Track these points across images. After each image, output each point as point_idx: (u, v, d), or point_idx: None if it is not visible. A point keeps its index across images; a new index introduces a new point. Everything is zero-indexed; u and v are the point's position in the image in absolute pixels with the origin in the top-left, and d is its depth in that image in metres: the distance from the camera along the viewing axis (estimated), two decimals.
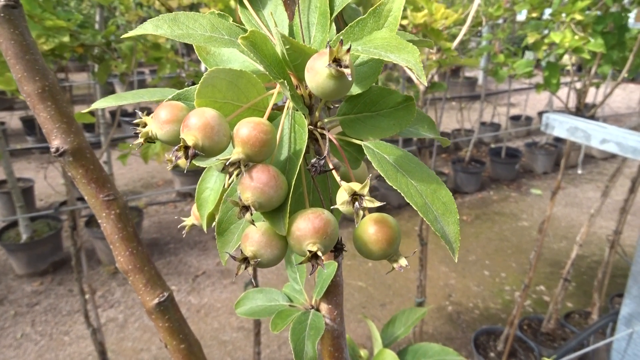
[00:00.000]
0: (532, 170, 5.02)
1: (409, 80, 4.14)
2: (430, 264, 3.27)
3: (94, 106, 0.47)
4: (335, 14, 0.36)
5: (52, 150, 0.51)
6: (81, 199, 2.84)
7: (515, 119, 5.97)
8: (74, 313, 2.74)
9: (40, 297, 2.88)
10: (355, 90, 0.36)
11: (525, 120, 5.89)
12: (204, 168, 0.42)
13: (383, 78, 4.44)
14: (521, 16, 3.99)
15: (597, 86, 2.63)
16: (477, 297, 2.97)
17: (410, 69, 0.27)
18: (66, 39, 1.62)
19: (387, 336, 0.80)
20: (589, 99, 6.33)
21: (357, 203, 0.31)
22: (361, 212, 0.31)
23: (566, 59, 2.18)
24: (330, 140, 0.35)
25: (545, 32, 2.40)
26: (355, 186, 0.32)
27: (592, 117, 2.37)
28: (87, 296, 2.19)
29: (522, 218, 4.01)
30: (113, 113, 5.64)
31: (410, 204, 0.30)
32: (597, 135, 1.45)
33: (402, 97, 0.36)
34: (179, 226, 0.47)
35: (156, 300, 0.54)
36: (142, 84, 6.41)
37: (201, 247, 3.46)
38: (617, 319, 1.67)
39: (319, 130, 0.36)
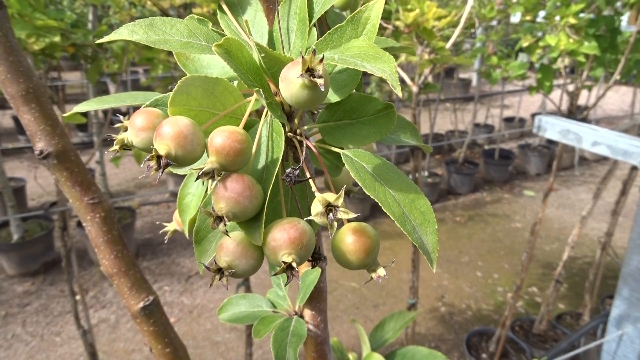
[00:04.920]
0: (525, 172, 5.04)
1: (403, 81, 4.15)
2: (424, 265, 3.27)
3: (76, 109, 0.47)
4: (314, 20, 0.36)
5: (36, 152, 0.50)
6: None
7: (508, 120, 6.00)
8: (66, 314, 2.72)
9: (32, 298, 2.86)
10: (334, 98, 0.36)
11: (519, 122, 5.92)
12: None
13: (377, 79, 4.45)
14: (515, 18, 4.01)
15: (589, 89, 2.64)
16: (469, 298, 2.98)
17: (386, 79, 0.26)
18: (57, 38, 1.61)
19: (376, 340, 0.80)
20: (583, 101, 6.37)
21: (331, 214, 0.31)
22: (335, 224, 0.31)
23: (560, 62, 2.19)
24: (310, 148, 0.34)
25: (540, 34, 2.41)
26: (330, 197, 0.32)
27: (585, 120, 2.38)
28: (77, 297, 2.17)
29: (515, 219, 4.02)
30: (106, 112, 5.60)
31: (388, 213, 0.30)
32: (588, 138, 1.46)
33: (382, 104, 0.35)
34: (160, 232, 0.47)
35: (141, 304, 0.53)
36: (135, 84, 6.38)
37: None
38: (608, 321, 1.68)
39: (298, 137, 0.35)
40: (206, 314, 2.74)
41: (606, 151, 1.41)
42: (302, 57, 0.29)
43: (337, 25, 0.33)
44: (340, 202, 0.31)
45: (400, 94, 0.24)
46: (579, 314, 2.64)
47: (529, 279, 3.15)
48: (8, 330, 2.58)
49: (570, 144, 1.50)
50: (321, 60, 0.29)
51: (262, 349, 2.49)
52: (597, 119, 6.25)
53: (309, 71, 0.29)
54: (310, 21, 0.36)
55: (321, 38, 0.34)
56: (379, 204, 0.30)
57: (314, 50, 0.28)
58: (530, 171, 5.00)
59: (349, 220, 0.33)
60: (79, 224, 3.27)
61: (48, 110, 0.51)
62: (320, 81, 0.28)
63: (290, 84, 0.30)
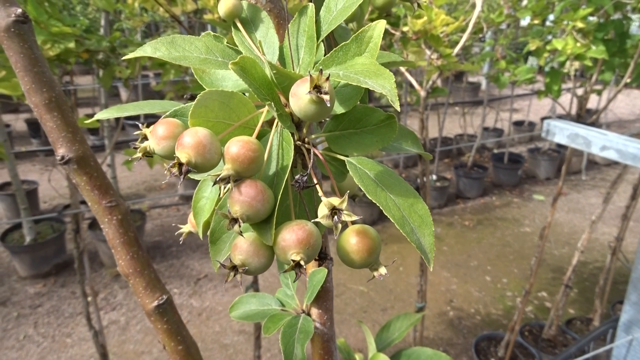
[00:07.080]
0: (535, 176, 5.02)
1: (411, 85, 4.15)
2: (432, 269, 3.27)
3: (97, 117, 0.49)
4: (321, 37, 0.39)
5: (58, 158, 0.53)
6: (84, 202, 2.86)
7: (518, 124, 5.97)
8: (77, 315, 2.77)
9: (43, 299, 2.90)
10: (339, 109, 0.38)
11: (528, 126, 5.89)
12: None
13: None
14: (525, 21, 4.01)
15: (598, 93, 2.63)
16: (478, 302, 2.97)
17: (386, 95, 0.29)
18: (71, 44, 1.65)
19: (382, 341, 0.81)
20: (594, 105, 6.33)
21: (335, 217, 0.34)
22: (339, 226, 0.34)
23: (569, 65, 2.19)
24: (317, 156, 0.37)
25: (549, 37, 2.42)
26: (335, 201, 0.34)
27: (595, 123, 2.37)
28: (89, 298, 2.21)
29: (525, 224, 4.01)
30: (118, 117, 5.66)
31: (388, 216, 0.32)
32: (597, 142, 1.46)
33: (384, 115, 0.38)
34: (176, 233, 0.49)
35: (155, 303, 0.55)
36: (146, 88, 6.44)
37: (203, 250, 3.48)
38: (617, 326, 1.68)
39: (306, 146, 0.38)
40: (215, 316, 2.77)
41: (615, 156, 1.41)
42: (310, 75, 0.32)
43: (343, 43, 0.35)
44: (344, 205, 0.34)
45: (398, 108, 0.27)
46: (589, 319, 2.62)
47: (539, 283, 3.14)
48: (20, 331, 2.63)
49: (579, 149, 1.50)
50: (327, 78, 0.31)
51: (270, 352, 2.51)
52: (608, 122, 6.20)
53: (316, 88, 0.32)
54: (317, 38, 0.38)
55: (327, 55, 0.36)
56: (381, 207, 0.32)
57: (321, 69, 0.31)
58: (540, 175, 4.98)
59: (353, 223, 0.36)
60: (91, 227, 3.32)
61: (69, 118, 0.53)
62: (326, 97, 0.31)
63: (300, 100, 0.33)
